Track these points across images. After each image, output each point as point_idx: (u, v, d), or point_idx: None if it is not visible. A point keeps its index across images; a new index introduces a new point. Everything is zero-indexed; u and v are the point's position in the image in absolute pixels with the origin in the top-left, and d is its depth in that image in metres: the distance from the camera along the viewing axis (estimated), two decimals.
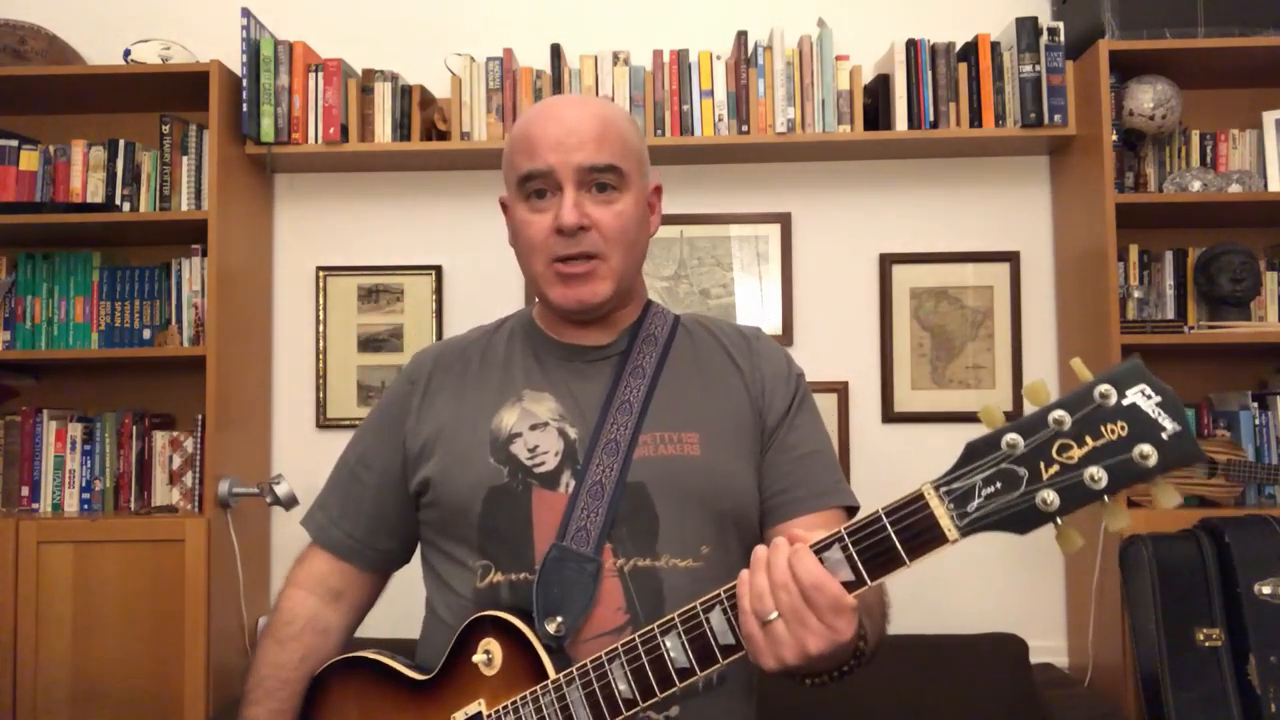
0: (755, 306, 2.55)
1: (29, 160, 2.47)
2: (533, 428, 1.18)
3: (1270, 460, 2.34)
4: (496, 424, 1.19)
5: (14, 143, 2.48)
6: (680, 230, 2.57)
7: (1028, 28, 2.34)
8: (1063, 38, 2.34)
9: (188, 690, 2.23)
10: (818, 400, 2.44)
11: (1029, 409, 0.84)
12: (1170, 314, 2.42)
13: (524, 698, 1.06)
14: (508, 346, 1.28)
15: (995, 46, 2.37)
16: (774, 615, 0.89)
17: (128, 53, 2.45)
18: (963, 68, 2.38)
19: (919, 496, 0.86)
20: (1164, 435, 0.78)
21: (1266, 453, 2.34)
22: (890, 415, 2.54)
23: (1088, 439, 0.79)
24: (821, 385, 2.53)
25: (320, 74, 2.42)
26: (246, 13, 2.40)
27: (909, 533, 0.86)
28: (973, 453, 0.84)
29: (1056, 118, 2.33)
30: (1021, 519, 0.82)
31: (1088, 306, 2.37)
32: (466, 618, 1.13)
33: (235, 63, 2.41)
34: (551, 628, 1.08)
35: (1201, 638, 1.97)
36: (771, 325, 2.54)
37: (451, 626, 1.15)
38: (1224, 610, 1.97)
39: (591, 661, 1.03)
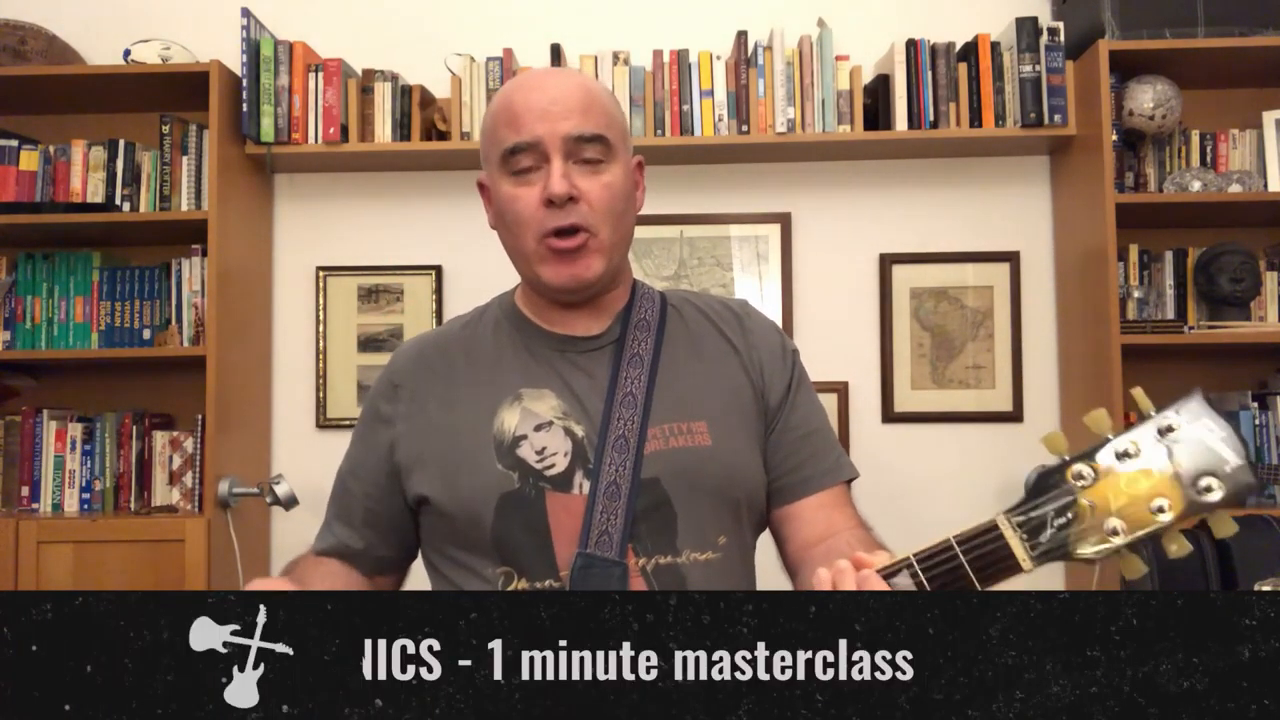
0: (755, 306, 2.55)
1: (29, 160, 2.47)
2: (537, 428, 1.13)
3: (1270, 460, 2.33)
4: (498, 427, 1.14)
5: (14, 143, 2.48)
6: (680, 230, 2.57)
7: (1028, 28, 2.34)
8: (1063, 38, 2.34)
9: None
10: None
11: (1092, 438, 0.86)
12: (1170, 314, 2.42)
13: None
14: (495, 340, 1.22)
15: (995, 46, 2.37)
16: None
17: (128, 53, 2.45)
18: (963, 68, 2.38)
19: (993, 526, 0.86)
20: (1227, 469, 0.81)
21: (1266, 453, 2.34)
22: (890, 415, 2.54)
23: (1154, 472, 0.82)
24: (822, 385, 2.51)
25: (320, 74, 2.42)
26: (246, 13, 2.40)
27: (982, 561, 0.87)
28: (1043, 483, 0.86)
29: (1056, 118, 2.33)
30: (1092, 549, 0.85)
31: (1088, 306, 2.37)
32: None
33: (235, 63, 2.41)
34: None
35: None
36: None
37: None
38: None
39: None
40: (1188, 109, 2.41)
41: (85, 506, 2.44)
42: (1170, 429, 0.82)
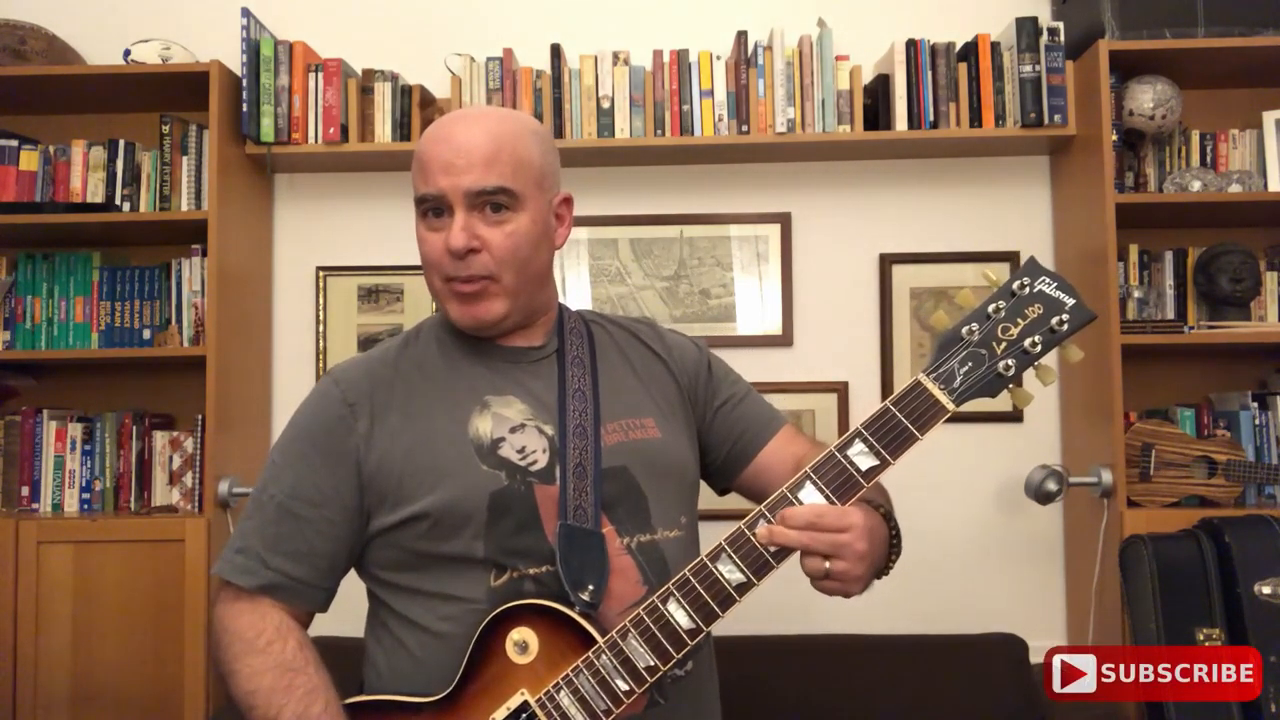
0: (755, 306, 2.55)
1: (29, 160, 2.47)
2: (513, 430, 1.20)
3: (1270, 460, 2.34)
4: (474, 433, 1.19)
5: (14, 143, 2.48)
6: (680, 230, 2.57)
7: (1028, 28, 2.34)
8: (1063, 38, 2.34)
9: (188, 690, 2.23)
10: (817, 400, 2.46)
11: (966, 316, 1.14)
12: (1170, 314, 2.42)
13: (576, 667, 1.09)
14: (444, 356, 1.26)
15: (995, 46, 2.37)
16: (827, 564, 1.08)
17: (128, 53, 2.45)
18: (963, 68, 2.38)
19: (917, 384, 1.12)
20: (1068, 307, 1.11)
21: (1266, 453, 2.34)
22: None
23: (1019, 320, 1.11)
24: (821, 385, 2.53)
25: (320, 74, 2.42)
26: (246, 13, 2.40)
27: (915, 413, 1.11)
28: (946, 343, 1.12)
29: (1056, 118, 2.33)
30: (993, 384, 1.11)
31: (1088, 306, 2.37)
32: (479, 619, 1.12)
33: (235, 63, 2.41)
34: (585, 596, 1.12)
35: (1201, 638, 1.97)
36: (771, 325, 2.54)
37: (454, 636, 1.13)
38: (1224, 610, 1.97)
39: (645, 609, 1.09)
40: (1188, 109, 2.41)
41: (85, 506, 2.44)
42: (1023, 287, 1.12)
